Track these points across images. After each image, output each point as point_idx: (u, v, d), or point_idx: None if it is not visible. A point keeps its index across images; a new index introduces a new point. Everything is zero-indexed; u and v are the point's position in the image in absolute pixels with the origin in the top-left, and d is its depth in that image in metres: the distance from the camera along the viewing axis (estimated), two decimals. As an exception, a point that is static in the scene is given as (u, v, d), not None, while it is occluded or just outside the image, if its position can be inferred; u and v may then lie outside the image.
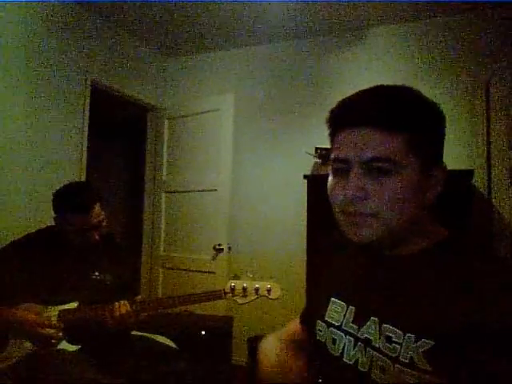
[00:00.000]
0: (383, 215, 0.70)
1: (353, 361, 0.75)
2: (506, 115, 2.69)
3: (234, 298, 1.68)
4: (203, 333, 2.40)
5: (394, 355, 0.68)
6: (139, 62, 3.42)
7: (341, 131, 0.73)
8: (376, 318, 0.73)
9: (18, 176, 2.48)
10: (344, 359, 0.76)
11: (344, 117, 0.73)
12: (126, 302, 1.63)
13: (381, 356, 0.70)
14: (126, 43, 3.30)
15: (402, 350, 0.67)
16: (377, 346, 0.71)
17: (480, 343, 0.61)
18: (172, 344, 1.96)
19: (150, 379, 1.61)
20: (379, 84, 0.76)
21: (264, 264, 3.12)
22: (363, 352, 0.73)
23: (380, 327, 0.71)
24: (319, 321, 0.85)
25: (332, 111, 0.77)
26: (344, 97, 0.76)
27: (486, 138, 2.71)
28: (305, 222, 2.66)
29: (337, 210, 0.75)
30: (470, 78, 2.79)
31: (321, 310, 0.85)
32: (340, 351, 0.77)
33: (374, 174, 0.70)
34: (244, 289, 1.67)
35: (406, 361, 0.66)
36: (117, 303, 1.62)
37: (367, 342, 0.73)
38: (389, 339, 0.69)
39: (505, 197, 2.65)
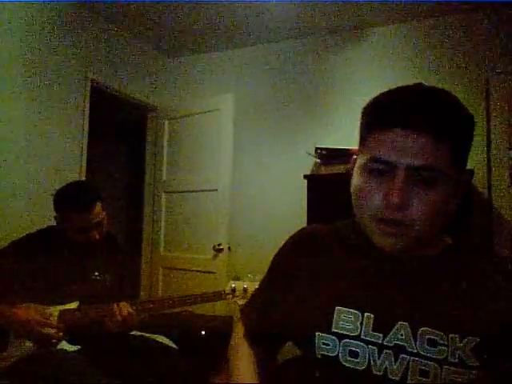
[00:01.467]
0: (420, 225, 0.68)
1: (381, 371, 0.70)
2: (506, 115, 2.69)
3: (235, 299, 1.68)
4: (203, 333, 2.40)
5: (441, 357, 0.66)
6: (139, 62, 3.41)
7: (387, 130, 0.68)
8: (406, 323, 0.70)
9: (18, 176, 2.48)
10: (373, 371, 0.70)
11: (395, 116, 0.68)
12: (125, 303, 1.63)
13: (422, 360, 0.67)
14: (126, 43, 3.29)
15: (450, 351, 0.66)
16: (414, 350, 0.68)
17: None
18: (172, 344, 1.96)
19: (149, 379, 1.61)
20: (419, 82, 0.73)
21: (264, 264, 3.10)
22: (393, 360, 0.69)
23: (414, 331, 0.69)
24: (321, 333, 0.75)
25: (376, 105, 0.72)
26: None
27: (486, 138, 2.71)
28: (305, 222, 2.65)
29: (368, 215, 0.70)
30: (470, 78, 2.79)
31: (321, 322, 0.76)
32: (366, 363, 0.71)
33: (418, 182, 0.67)
34: (244, 290, 1.67)
35: (456, 361, 0.66)
36: (116, 305, 1.61)
37: (399, 349, 0.69)
38: (432, 342, 0.67)
39: (505, 197, 2.65)
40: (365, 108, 0.74)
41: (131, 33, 3.28)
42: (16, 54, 2.48)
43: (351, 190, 0.75)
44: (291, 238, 0.93)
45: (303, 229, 0.95)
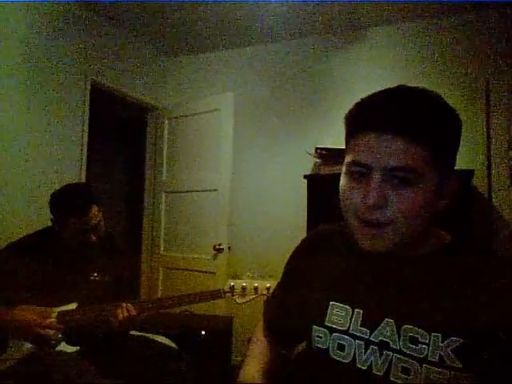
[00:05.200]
0: (400, 224, 0.69)
1: (366, 365, 0.72)
2: (506, 115, 2.69)
3: (233, 298, 1.68)
4: (203, 333, 2.40)
5: (421, 356, 0.67)
6: (139, 62, 3.41)
7: (363, 134, 0.70)
8: (391, 320, 0.72)
9: (17, 176, 2.48)
10: (357, 365, 0.73)
11: (369, 120, 0.70)
12: (128, 304, 1.62)
13: (403, 357, 0.69)
14: (126, 43, 3.29)
15: (430, 350, 0.67)
16: (396, 347, 0.70)
17: (503, 339, 0.64)
18: (172, 344, 1.96)
19: (149, 379, 1.61)
20: (401, 84, 0.73)
21: (264, 264, 3.11)
22: (378, 355, 0.72)
23: (398, 328, 0.71)
24: (317, 326, 0.80)
25: (354, 111, 0.75)
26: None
27: (486, 138, 2.71)
28: (305, 222, 2.66)
29: (351, 215, 0.73)
30: (470, 78, 2.79)
31: (317, 315, 0.81)
32: (351, 357, 0.74)
33: (394, 183, 0.68)
34: (243, 288, 1.67)
35: (435, 360, 0.66)
36: (120, 306, 1.61)
37: (384, 345, 0.71)
38: (413, 340, 0.69)
39: (505, 197, 2.65)
40: (347, 113, 0.77)
41: (131, 33, 3.28)
42: (16, 53, 2.48)
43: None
44: (305, 238, 0.99)
45: (316, 229, 1.00)
